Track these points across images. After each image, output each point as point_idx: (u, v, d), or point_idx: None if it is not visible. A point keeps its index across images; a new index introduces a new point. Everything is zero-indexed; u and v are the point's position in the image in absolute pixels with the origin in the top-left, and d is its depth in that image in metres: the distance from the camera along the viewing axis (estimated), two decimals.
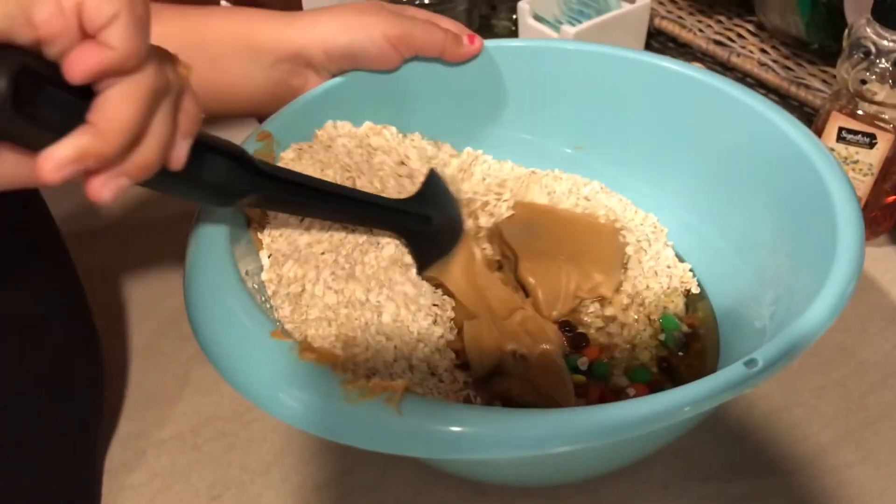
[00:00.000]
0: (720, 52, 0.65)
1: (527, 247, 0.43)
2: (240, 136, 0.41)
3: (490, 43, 0.47)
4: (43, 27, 0.23)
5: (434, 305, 0.38)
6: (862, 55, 0.46)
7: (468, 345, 0.37)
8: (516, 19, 0.68)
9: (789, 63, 0.64)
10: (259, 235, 0.38)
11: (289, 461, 0.40)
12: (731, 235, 0.42)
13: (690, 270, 0.44)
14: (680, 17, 0.70)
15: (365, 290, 0.36)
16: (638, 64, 0.45)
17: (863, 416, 0.41)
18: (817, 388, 0.42)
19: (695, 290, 0.44)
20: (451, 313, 0.39)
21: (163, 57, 0.27)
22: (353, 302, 0.35)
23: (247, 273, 0.34)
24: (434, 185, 0.43)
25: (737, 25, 0.69)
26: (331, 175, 0.41)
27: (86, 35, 0.24)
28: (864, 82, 0.46)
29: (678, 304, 0.43)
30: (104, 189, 0.26)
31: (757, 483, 0.38)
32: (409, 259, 0.40)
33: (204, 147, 0.30)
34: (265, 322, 0.30)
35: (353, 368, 0.29)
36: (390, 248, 0.39)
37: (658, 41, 0.72)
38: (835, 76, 0.51)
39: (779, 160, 0.38)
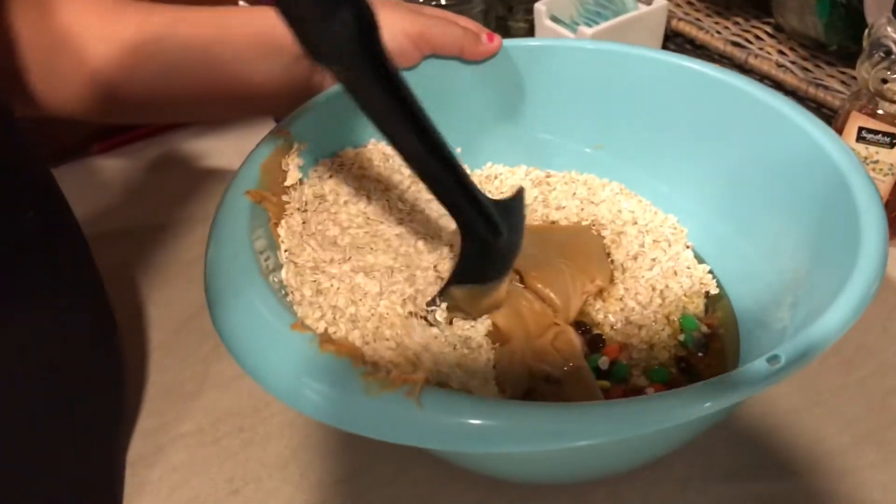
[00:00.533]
0: (738, 54, 0.65)
1: (524, 258, 0.42)
2: (257, 134, 0.41)
3: (508, 42, 0.47)
4: None
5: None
6: (883, 54, 0.46)
7: (500, 371, 0.36)
8: (533, 20, 0.68)
9: (807, 64, 0.63)
10: (278, 230, 0.38)
11: (307, 456, 0.41)
12: (752, 237, 0.42)
13: (710, 272, 0.44)
14: (697, 19, 0.70)
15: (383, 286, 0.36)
16: (658, 63, 0.45)
17: (884, 417, 0.40)
18: (838, 387, 0.42)
19: (714, 291, 0.43)
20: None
21: None
22: (368, 297, 0.35)
23: (267, 267, 0.34)
24: (517, 205, 0.39)
25: (754, 27, 0.69)
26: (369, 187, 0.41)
27: None
28: (884, 81, 0.46)
29: (698, 305, 0.43)
30: None
31: (777, 482, 0.38)
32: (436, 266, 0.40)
33: None
34: (286, 314, 0.30)
35: (373, 361, 0.29)
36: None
37: (675, 43, 0.72)
38: (853, 77, 0.51)
39: (802, 161, 0.38)
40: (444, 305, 0.37)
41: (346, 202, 0.41)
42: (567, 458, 0.32)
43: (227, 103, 0.46)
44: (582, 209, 0.48)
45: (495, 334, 0.38)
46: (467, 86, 0.47)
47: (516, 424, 0.26)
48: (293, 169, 0.39)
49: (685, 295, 0.43)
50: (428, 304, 0.36)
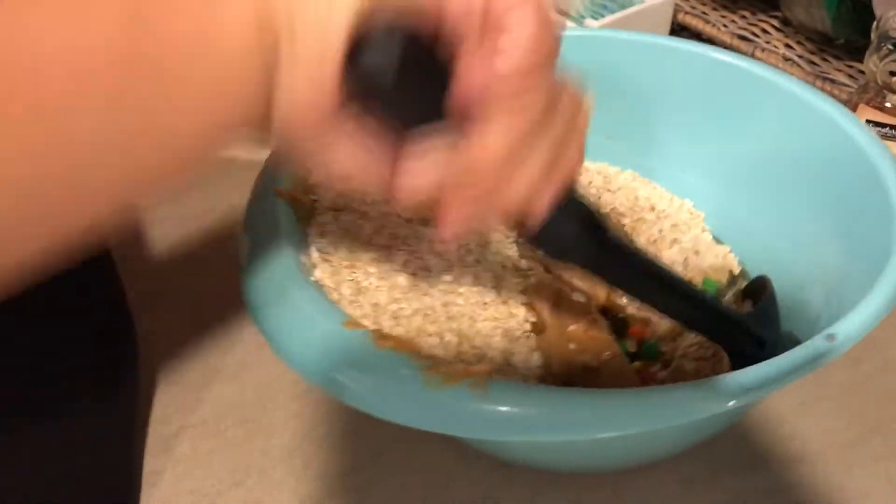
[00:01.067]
0: (744, 48, 0.65)
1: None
2: None
3: None
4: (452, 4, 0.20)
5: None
6: (891, 47, 0.46)
7: (541, 363, 0.36)
8: None
9: (814, 58, 0.63)
10: (308, 229, 0.37)
11: (311, 448, 0.40)
12: (776, 223, 0.42)
13: (731, 252, 0.44)
14: (704, 13, 0.70)
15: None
16: (672, 51, 0.45)
17: (891, 411, 0.40)
18: (845, 382, 0.42)
19: (736, 270, 0.43)
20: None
21: (560, 82, 0.23)
22: (410, 294, 0.35)
23: (304, 267, 0.34)
24: (769, 297, 0.39)
25: (761, 21, 0.68)
26: None
27: (486, 29, 0.21)
28: (892, 74, 0.46)
29: (722, 280, 0.43)
30: (452, 224, 0.23)
31: (784, 476, 0.38)
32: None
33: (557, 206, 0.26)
34: (335, 313, 0.29)
35: (432, 355, 0.28)
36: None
37: (681, 36, 0.71)
38: (860, 71, 0.51)
39: (831, 152, 0.38)
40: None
41: (374, 200, 0.40)
42: (612, 445, 0.32)
43: None
44: (599, 197, 0.48)
45: (533, 325, 0.38)
46: None
47: (591, 412, 0.25)
48: None
49: (709, 268, 0.43)
50: None
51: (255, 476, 0.39)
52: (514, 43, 0.20)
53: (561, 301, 0.39)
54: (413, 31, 0.21)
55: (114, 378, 0.40)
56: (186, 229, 0.56)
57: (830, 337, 0.27)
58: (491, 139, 0.21)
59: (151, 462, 0.40)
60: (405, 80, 0.21)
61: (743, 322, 0.35)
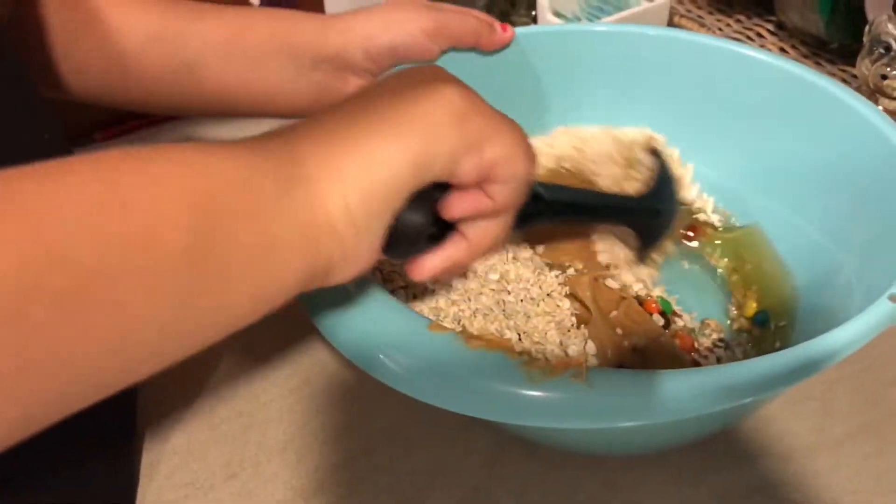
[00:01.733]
0: None
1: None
2: (257, 125, 0.41)
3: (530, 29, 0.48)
4: (463, 175, 0.28)
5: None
6: (882, 51, 0.46)
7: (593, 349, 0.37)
8: (535, 15, 0.68)
9: (808, 62, 0.64)
10: None
11: (305, 441, 0.41)
12: (804, 211, 0.43)
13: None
14: (699, 16, 0.70)
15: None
16: (668, 40, 0.47)
17: (879, 409, 0.41)
18: (833, 381, 0.42)
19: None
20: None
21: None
22: (467, 296, 0.36)
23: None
24: (661, 172, 0.44)
25: (756, 24, 0.69)
26: None
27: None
28: (884, 77, 0.46)
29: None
30: (426, 273, 0.31)
31: (772, 473, 0.38)
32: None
33: None
34: (416, 318, 0.29)
35: (525, 350, 0.28)
36: None
37: None
38: (854, 75, 0.51)
39: (864, 149, 0.39)
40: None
41: None
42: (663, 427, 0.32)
43: (241, 102, 0.46)
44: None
45: (577, 316, 0.39)
46: (486, 77, 0.47)
47: (692, 391, 0.26)
48: None
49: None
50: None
51: (250, 469, 0.40)
52: (500, 197, 0.30)
53: (598, 289, 0.40)
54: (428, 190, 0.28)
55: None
56: None
57: (893, 297, 0.28)
58: (483, 233, 0.31)
59: (147, 454, 0.41)
60: (419, 224, 0.29)
61: (642, 204, 0.42)
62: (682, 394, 0.26)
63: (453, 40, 0.45)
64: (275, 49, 0.44)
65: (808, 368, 0.26)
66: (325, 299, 0.31)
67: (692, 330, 0.42)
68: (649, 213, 0.42)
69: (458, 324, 0.34)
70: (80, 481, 0.36)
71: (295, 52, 0.44)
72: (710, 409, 0.26)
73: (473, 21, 0.45)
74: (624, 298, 0.40)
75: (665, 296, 0.44)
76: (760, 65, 0.44)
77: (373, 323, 0.30)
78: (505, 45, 0.47)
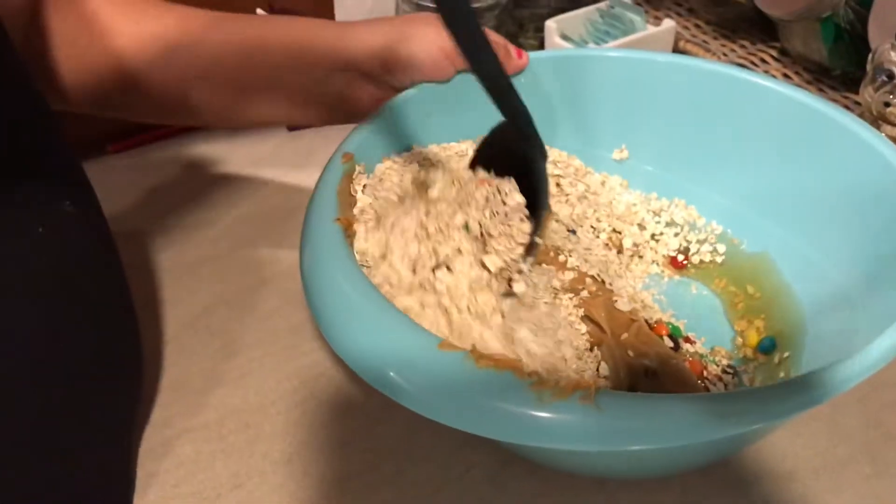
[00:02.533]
0: None
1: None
2: (268, 141, 0.41)
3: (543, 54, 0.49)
4: None
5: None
6: (885, 78, 0.47)
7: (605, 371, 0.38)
8: (543, 38, 0.69)
9: (811, 88, 0.65)
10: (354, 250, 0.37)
11: (311, 454, 0.41)
12: (809, 238, 0.44)
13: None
14: (704, 41, 0.71)
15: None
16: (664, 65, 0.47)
17: (881, 432, 0.41)
18: (834, 403, 0.43)
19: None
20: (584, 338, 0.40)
21: None
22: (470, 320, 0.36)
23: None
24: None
25: (760, 51, 0.70)
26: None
27: None
28: (887, 105, 0.47)
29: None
30: None
31: (776, 494, 0.38)
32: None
33: None
34: (427, 336, 0.29)
35: (535, 371, 0.28)
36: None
37: None
38: (857, 102, 0.52)
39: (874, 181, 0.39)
40: (529, 262, 0.37)
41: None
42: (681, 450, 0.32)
43: (256, 111, 0.46)
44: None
45: (592, 337, 0.39)
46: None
47: (705, 415, 0.26)
48: (360, 193, 0.40)
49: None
50: (514, 274, 0.37)
51: (256, 479, 0.40)
52: None
53: (612, 311, 0.40)
54: None
55: (117, 382, 0.40)
56: (192, 238, 0.57)
57: None
58: None
59: (152, 464, 0.41)
60: None
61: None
62: (689, 419, 0.26)
63: None
64: (292, 57, 0.43)
65: (815, 397, 0.26)
66: (336, 312, 0.32)
67: (702, 356, 0.43)
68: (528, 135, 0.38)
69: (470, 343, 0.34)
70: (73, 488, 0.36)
71: (311, 60, 0.43)
72: (717, 436, 0.26)
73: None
74: (634, 321, 0.41)
75: (674, 321, 0.44)
76: (772, 94, 0.45)
77: (383, 338, 0.30)
78: (519, 71, 0.47)
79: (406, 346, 0.29)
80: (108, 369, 0.39)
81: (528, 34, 0.75)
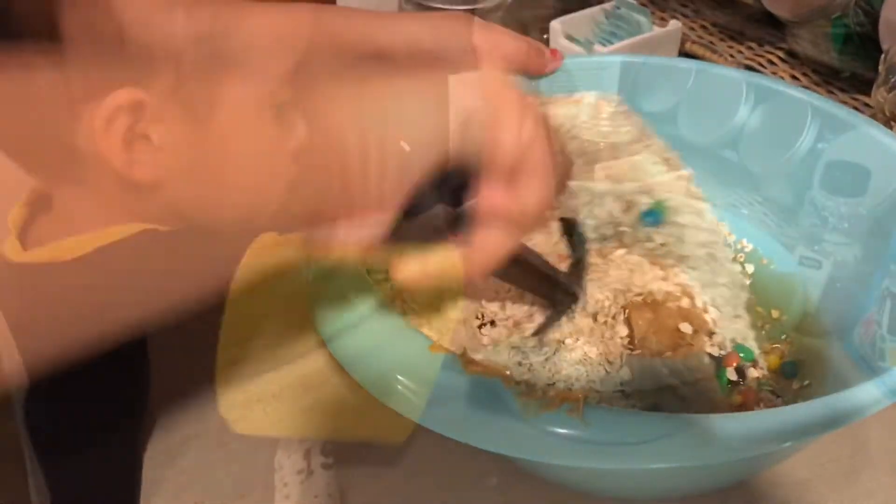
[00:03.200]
0: None
1: None
2: None
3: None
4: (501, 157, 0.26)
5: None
6: None
7: (630, 381, 0.36)
8: (548, 39, 0.68)
9: (820, 90, 0.64)
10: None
11: (315, 463, 0.40)
12: (849, 265, 0.43)
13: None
14: (711, 43, 0.71)
15: None
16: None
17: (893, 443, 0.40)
18: (822, 463, 0.41)
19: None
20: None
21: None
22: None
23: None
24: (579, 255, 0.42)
25: (767, 52, 0.69)
26: None
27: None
28: None
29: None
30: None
31: None
32: None
33: None
34: (418, 336, 0.29)
35: (524, 380, 0.28)
36: None
37: None
38: (866, 104, 0.52)
39: None
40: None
41: None
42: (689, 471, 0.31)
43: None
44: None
45: (630, 335, 0.38)
46: None
47: (701, 436, 0.24)
48: None
49: None
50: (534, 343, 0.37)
51: (260, 489, 0.39)
52: (530, 193, 0.27)
53: (659, 324, 0.39)
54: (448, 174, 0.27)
55: (126, 387, 0.40)
56: None
57: None
58: (492, 248, 0.28)
59: (156, 472, 0.40)
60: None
61: (563, 283, 0.40)
62: (677, 442, 0.24)
63: (505, 61, 0.44)
64: (319, 44, 0.42)
65: (835, 421, 0.25)
66: (337, 321, 0.31)
67: (761, 384, 0.40)
68: (567, 294, 0.40)
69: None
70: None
71: (341, 47, 0.42)
72: (712, 462, 0.25)
73: (526, 46, 0.44)
74: (690, 345, 0.39)
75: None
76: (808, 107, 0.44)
77: (374, 338, 0.30)
78: (552, 72, 0.46)
79: (399, 347, 0.29)
80: (117, 374, 0.39)
81: (533, 35, 0.75)
